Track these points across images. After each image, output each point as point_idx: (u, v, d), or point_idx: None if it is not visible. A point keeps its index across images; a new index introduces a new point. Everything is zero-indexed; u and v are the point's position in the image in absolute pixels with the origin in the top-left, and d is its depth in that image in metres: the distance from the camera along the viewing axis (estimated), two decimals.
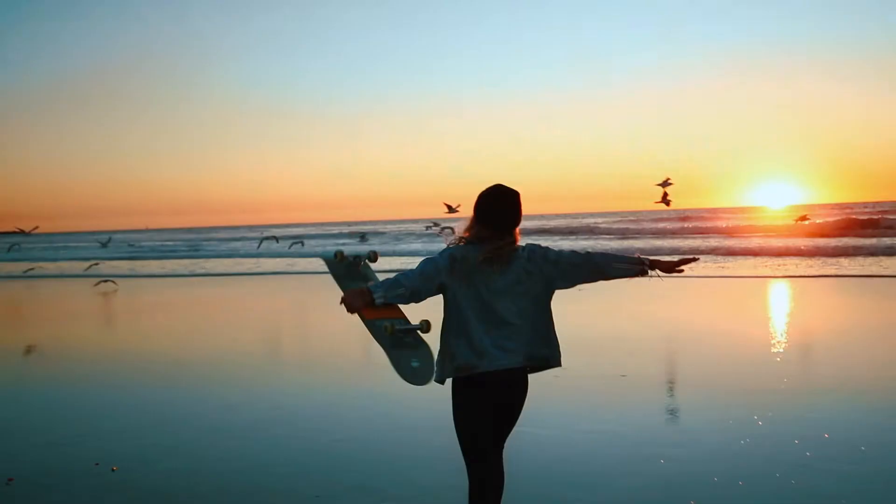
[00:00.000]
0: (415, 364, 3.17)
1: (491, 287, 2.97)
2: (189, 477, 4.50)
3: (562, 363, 3.12)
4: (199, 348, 9.43)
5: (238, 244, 45.38)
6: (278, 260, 28.09)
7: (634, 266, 3.09)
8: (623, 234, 37.85)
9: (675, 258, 3.14)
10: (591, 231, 38.66)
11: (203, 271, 25.30)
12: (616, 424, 5.33)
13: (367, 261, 3.34)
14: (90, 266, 23.20)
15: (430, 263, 3.00)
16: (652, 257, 3.15)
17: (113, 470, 4.60)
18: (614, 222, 50.07)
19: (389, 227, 61.02)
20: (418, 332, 3.18)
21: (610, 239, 35.15)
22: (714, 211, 60.04)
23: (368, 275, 3.32)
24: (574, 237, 36.92)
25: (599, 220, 55.73)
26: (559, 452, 4.78)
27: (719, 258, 23.03)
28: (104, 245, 27.61)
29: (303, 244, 24.01)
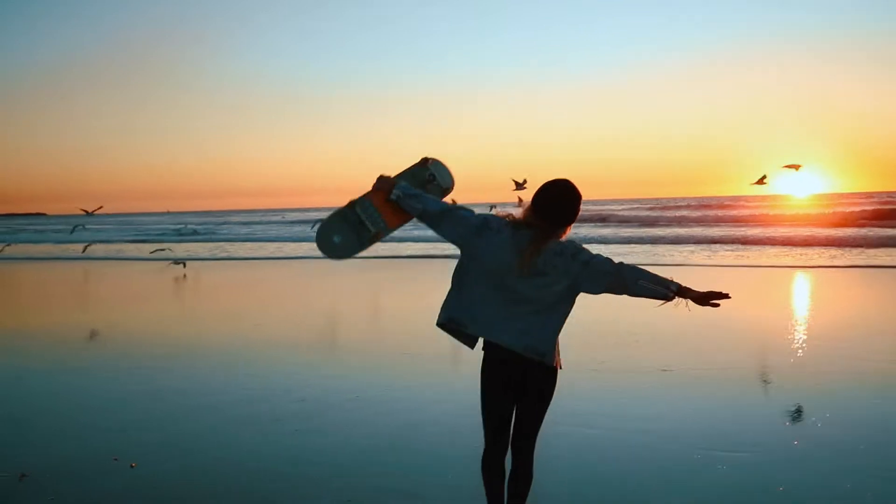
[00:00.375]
0: (336, 239, 3.27)
1: (513, 267, 2.92)
2: (206, 474, 4.27)
3: (559, 366, 3.02)
4: (221, 335, 9.19)
5: (256, 228, 45.39)
6: (300, 244, 28.01)
7: (661, 289, 2.90)
8: (641, 221, 37.35)
9: (708, 290, 2.94)
10: (603, 220, 38.11)
11: (225, 254, 25.18)
12: (666, 423, 5.01)
13: (433, 183, 3.40)
14: (155, 251, 21.93)
15: (461, 212, 3.07)
16: (685, 285, 2.93)
17: (132, 466, 4.34)
18: (632, 209, 49.55)
19: None
20: (369, 227, 3.26)
21: (627, 227, 34.60)
22: (736, 199, 59.30)
23: (427, 190, 3.36)
24: (591, 224, 36.40)
25: (617, 207, 55.06)
26: (610, 454, 4.47)
27: (740, 247, 22.59)
28: (73, 231, 26.49)
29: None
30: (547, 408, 3.06)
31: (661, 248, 22.81)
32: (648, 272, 2.93)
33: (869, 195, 58.96)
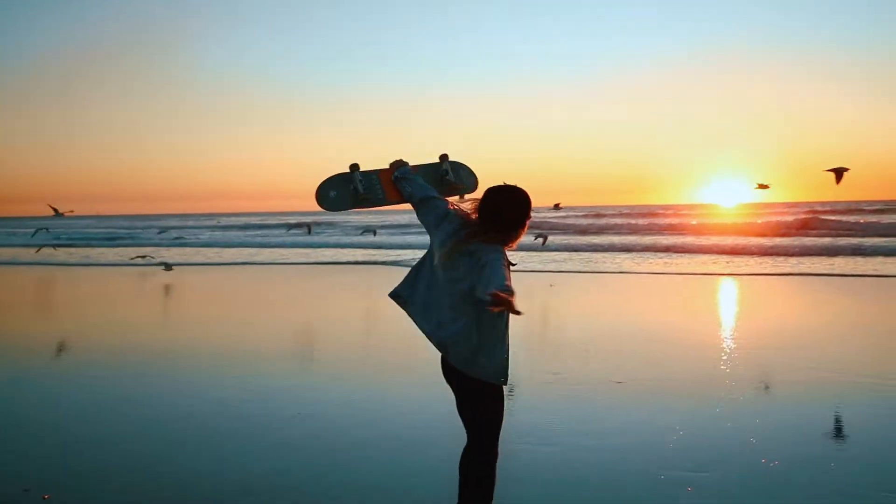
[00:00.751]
0: (332, 194, 3.55)
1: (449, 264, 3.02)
2: (209, 477, 4.16)
3: (496, 381, 3.02)
4: (210, 341, 8.76)
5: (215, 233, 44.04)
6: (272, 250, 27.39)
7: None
8: (575, 229, 37.54)
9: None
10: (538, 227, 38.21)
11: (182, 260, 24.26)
12: (624, 438, 4.80)
13: (446, 178, 3.67)
14: (135, 257, 20.40)
15: (436, 202, 3.28)
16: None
17: (44, 499, 3.89)
18: (568, 216, 49.93)
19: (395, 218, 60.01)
20: (360, 190, 3.54)
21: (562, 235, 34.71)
22: (670, 207, 60.58)
23: (442, 186, 3.63)
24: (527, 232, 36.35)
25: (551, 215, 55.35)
26: (568, 474, 4.22)
27: (672, 255, 22.88)
28: (34, 234, 25.08)
29: (309, 230, 23.18)
30: (482, 417, 3.03)
31: (597, 256, 22.95)
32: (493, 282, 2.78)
33: (795, 204, 60.91)
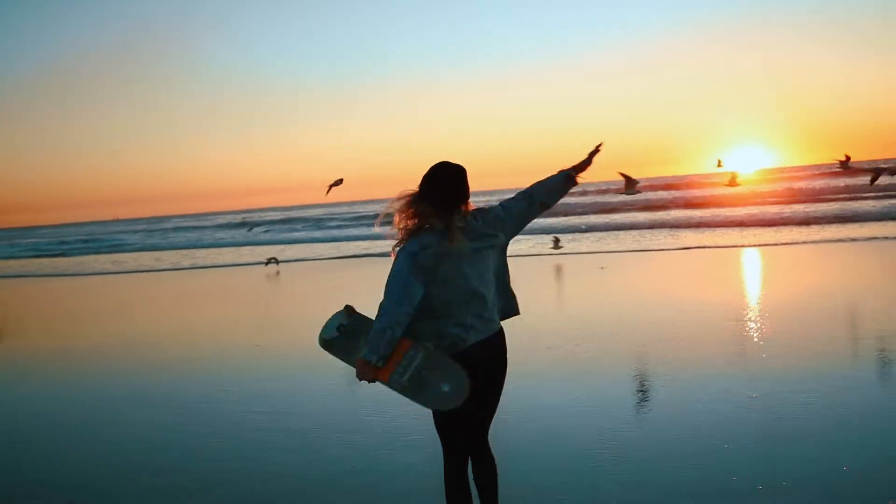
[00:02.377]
0: (445, 388, 2.94)
1: (462, 264, 2.94)
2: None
3: (520, 311, 3.19)
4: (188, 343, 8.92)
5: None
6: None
7: (564, 182, 3.20)
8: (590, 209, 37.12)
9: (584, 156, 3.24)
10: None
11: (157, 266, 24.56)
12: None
13: (346, 320, 3.26)
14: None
15: (399, 285, 2.89)
16: (569, 167, 3.22)
17: None
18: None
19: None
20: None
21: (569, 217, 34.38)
22: (683, 178, 59.93)
23: (359, 328, 3.22)
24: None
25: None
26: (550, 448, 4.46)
27: (676, 230, 22.68)
28: None
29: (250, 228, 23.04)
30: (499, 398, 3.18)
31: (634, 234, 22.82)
32: (546, 180, 3.21)
33: (815, 167, 59.95)
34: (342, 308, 3.27)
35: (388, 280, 2.91)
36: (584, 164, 3.19)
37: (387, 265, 2.98)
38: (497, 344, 3.04)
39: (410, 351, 2.95)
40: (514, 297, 3.18)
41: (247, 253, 26.77)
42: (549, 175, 3.20)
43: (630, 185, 7.05)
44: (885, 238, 16.29)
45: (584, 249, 18.57)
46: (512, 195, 3.18)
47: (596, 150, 3.18)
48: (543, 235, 19.57)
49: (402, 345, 2.95)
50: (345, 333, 3.19)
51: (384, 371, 2.95)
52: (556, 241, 17.04)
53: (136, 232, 56.37)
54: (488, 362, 3.01)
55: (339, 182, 7.97)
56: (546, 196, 3.16)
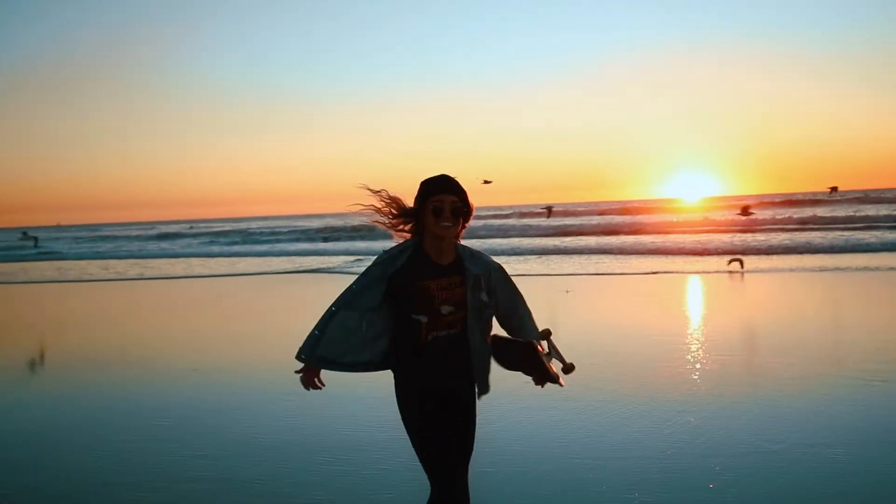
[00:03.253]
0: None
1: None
2: None
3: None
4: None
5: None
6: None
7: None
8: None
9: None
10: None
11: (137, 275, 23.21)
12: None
13: None
14: None
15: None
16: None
17: None
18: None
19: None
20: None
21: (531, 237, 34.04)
22: (630, 203, 60.52)
23: None
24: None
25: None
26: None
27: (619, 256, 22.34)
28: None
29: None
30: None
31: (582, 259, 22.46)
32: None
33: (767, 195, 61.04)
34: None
35: (520, 294, 3.02)
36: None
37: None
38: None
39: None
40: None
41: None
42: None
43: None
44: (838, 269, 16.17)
45: (546, 271, 18.14)
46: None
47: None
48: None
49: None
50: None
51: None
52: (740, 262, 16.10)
53: (64, 240, 54.27)
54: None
55: (488, 182, 7.56)
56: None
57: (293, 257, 27.87)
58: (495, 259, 2.94)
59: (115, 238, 53.45)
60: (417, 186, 2.84)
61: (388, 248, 2.85)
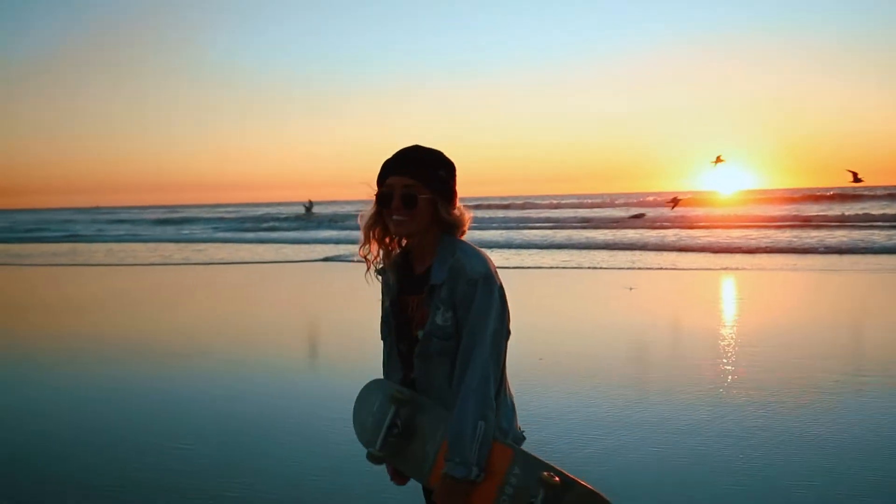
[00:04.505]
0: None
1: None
2: None
3: None
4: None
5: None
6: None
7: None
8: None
9: None
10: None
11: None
12: None
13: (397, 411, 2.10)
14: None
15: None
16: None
17: None
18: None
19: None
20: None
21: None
22: (660, 194, 59.90)
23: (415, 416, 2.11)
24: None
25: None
26: None
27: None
28: None
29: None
30: None
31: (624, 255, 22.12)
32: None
33: (796, 190, 60.20)
34: (374, 382, 2.24)
35: (487, 322, 1.97)
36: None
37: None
38: None
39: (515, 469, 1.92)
40: None
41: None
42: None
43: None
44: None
45: (610, 265, 17.64)
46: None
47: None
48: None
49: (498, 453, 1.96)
50: (398, 438, 2.09)
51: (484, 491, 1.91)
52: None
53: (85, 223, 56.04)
54: None
55: (676, 201, 7.42)
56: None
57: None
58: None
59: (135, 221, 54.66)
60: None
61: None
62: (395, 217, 2.04)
